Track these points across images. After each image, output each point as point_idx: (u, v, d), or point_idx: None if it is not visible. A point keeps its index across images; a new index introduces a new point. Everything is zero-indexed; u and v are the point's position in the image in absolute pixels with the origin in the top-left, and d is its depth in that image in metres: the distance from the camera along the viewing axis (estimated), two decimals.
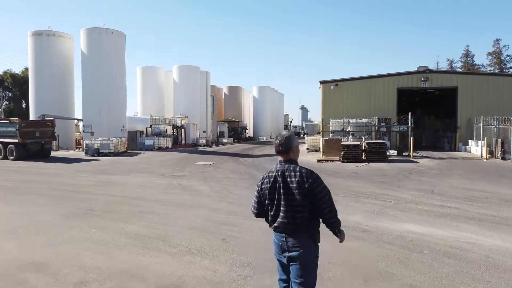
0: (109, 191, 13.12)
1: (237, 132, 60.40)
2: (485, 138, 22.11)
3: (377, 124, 25.13)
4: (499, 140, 21.70)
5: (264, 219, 3.46)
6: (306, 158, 25.38)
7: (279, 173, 3.17)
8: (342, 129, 24.75)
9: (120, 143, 28.27)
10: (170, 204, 10.69)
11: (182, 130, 41.92)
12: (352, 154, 21.57)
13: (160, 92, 48.00)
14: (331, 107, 29.09)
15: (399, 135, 24.62)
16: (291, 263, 3.16)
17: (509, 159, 20.79)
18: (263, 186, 3.26)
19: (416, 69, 29.71)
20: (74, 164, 22.68)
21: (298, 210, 3.10)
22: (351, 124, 25.35)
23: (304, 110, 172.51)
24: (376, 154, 21.34)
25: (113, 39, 32.51)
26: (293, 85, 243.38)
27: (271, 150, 28.05)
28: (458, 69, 55.44)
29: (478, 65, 58.24)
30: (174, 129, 40.01)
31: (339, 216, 3.41)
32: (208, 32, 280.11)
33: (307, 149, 30.35)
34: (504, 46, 59.40)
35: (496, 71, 52.89)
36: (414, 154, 23.83)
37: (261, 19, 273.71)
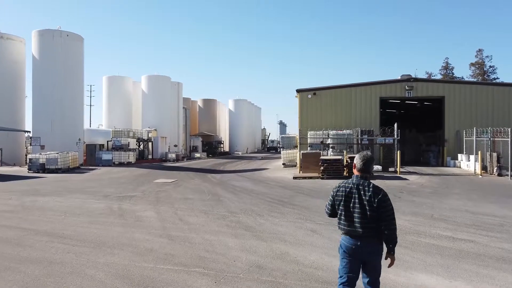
0: (17, 220, 9.99)
1: (211, 147, 57.57)
2: (479, 152, 19.98)
3: (359, 136, 22.73)
4: (495, 154, 19.58)
5: None
6: (281, 174, 22.74)
7: (355, 186, 3.67)
8: (321, 142, 22.28)
9: (71, 158, 24.87)
10: (83, 243, 7.68)
11: (150, 143, 38.74)
12: (332, 170, 19.04)
13: (128, 103, 44.80)
14: (309, 118, 26.68)
15: (384, 149, 22.29)
16: (362, 265, 3.66)
17: (507, 175, 18.67)
18: (338, 193, 3.76)
19: (399, 78, 27.70)
20: (8, 182, 19.22)
21: (369, 219, 3.55)
22: (331, 136, 22.90)
23: (282, 125, 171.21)
24: None
25: (69, 42, 29.30)
26: (271, 100, 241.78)
27: (245, 165, 24.96)
28: None
29: (459, 77, 57.31)
30: (140, 143, 36.74)
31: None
32: (182, 42, 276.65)
33: (283, 164, 27.74)
34: (487, 56, 58.73)
35: None
36: (401, 169, 21.49)
37: (237, 29, 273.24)
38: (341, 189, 3.76)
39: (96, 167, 27.87)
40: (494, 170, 19.67)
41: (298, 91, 27.66)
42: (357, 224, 3.58)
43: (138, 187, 17.24)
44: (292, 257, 6.68)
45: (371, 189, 3.61)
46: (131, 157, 31.81)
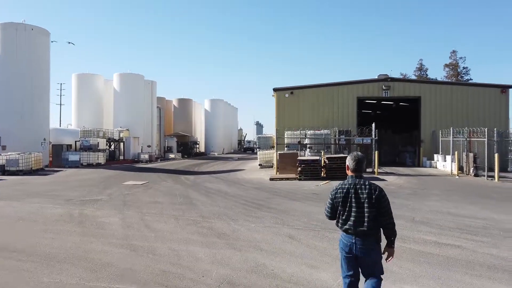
0: None
1: (187, 147, 56.26)
2: (456, 153, 19.89)
3: (337, 136, 22.32)
4: (471, 155, 19.53)
5: None
6: (258, 175, 22.06)
7: (351, 186, 3.77)
8: (299, 142, 21.73)
9: (34, 159, 23.37)
10: (30, 257, 6.73)
11: (122, 144, 37.28)
12: (310, 171, 18.51)
13: (99, 102, 43.03)
14: (286, 117, 26.12)
15: (361, 149, 21.97)
16: (361, 261, 3.74)
17: (483, 175, 18.64)
18: (336, 195, 3.82)
19: (376, 77, 27.54)
20: None
21: (367, 217, 3.65)
22: (308, 136, 22.40)
23: (259, 126, 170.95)
24: (337, 170, 18.41)
25: (33, 37, 27.63)
26: (248, 100, 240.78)
27: (221, 166, 24.01)
28: None
29: (433, 78, 58.14)
30: (111, 143, 35.28)
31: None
32: (156, 41, 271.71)
33: (259, 165, 27.07)
34: (460, 58, 59.74)
35: None
36: (379, 170, 21.22)
37: (213, 28, 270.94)
38: (339, 190, 3.84)
39: (62, 169, 26.37)
40: (471, 171, 19.65)
41: (275, 90, 27.08)
42: (355, 222, 3.69)
43: (105, 190, 16.16)
44: (269, 270, 5.99)
45: (367, 186, 3.73)
46: (101, 158, 30.37)
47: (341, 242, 3.85)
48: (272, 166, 25.20)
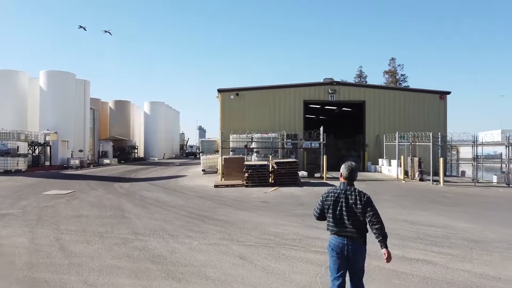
0: None
1: (124, 152, 52.78)
2: (402, 157, 19.87)
3: (285, 140, 21.42)
4: (416, 159, 19.61)
5: None
6: (201, 182, 20.49)
7: (342, 191, 4.04)
8: (245, 146, 20.52)
9: None
10: None
11: (48, 148, 33.59)
12: (258, 177, 17.35)
13: (22, 102, 38.62)
14: (231, 120, 24.82)
15: (310, 154, 21.29)
16: (348, 261, 3.94)
17: (428, 180, 18.71)
18: (327, 199, 4.09)
19: (322, 81, 27.22)
20: None
21: (356, 221, 3.93)
22: (255, 140, 21.26)
23: (202, 131, 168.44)
24: (286, 176, 17.45)
25: None
26: (190, 104, 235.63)
27: (161, 172, 21.71)
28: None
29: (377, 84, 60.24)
30: (35, 147, 31.57)
31: None
32: (91, 38, 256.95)
33: (202, 170, 25.47)
34: (399, 65, 62.51)
35: None
36: (327, 175, 20.61)
37: (152, 26, 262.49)
38: (330, 194, 4.10)
39: None
40: (416, 175, 19.73)
41: (219, 91, 25.69)
42: (344, 225, 3.93)
43: (19, 201, 13.70)
44: None
45: (356, 193, 3.99)
46: (21, 163, 26.85)
47: (331, 244, 4.03)
48: (216, 172, 23.77)
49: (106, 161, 42.95)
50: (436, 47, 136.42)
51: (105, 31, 25.00)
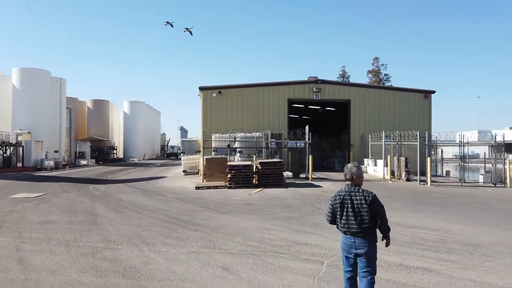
0: None
1: (102, 153, 51.18)
2: (388, 157, 19.47)
3: (270, 139, 20.75)
4: (403, 159, 19.23)
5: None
6: (182, 183, 19.62)
7: (347, 193, 4.26)
8: (228, 146, 19.77)
9: None
10: None
11: (21, 149, 32.02)
12: (241, 178, 16.63)
13: None
14: (214, 119, 24.01)
15: (295, 154, 20.68)
16: (358, 258, 4.17)
17: (415, 180, 18.35)
18: (335, 202, 4.33)
19: (307, 79, 26.66)
20: None
21: (362, 220, 4.13)
22: (238, 139, 20.50)
23: (183, 131, 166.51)
24: (271, 176, 16.80)
25: None
26: (171, 104, 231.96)
27: (140, 173, 20.41)
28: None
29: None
30: (6, 148, 30.01)
31: None
32: (69, 37, 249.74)
33: (183, 171, 24.56)
34: (382, 64, 62.38)
35: None
36: (312, 176, 20.02)
37: (132, 25, 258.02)
38: (337, 197, 4.33)
39: None
40: (403, 175, 19.36)
41: (201, 89, 24.82)
42: (351, 225, 4.17)
43: None
44: None
45: (361, 193, 4.20)
46: None
47: (343, 243, 4.29)
48: (198, 173, 22.94)
49: (83, 162, 41.45)
50: (418, 47, 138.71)
51: (186, 29, 23.22)
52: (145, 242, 7.81)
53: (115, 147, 56.02)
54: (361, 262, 4.16)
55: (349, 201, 4.18)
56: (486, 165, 21.89)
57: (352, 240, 4.14)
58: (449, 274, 6.02)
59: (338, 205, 4.26)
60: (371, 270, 4.14)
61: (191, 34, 23.32)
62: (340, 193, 4.31)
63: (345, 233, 4.24)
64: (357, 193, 4.18)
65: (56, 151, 37.67)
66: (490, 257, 6.98)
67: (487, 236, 8.64)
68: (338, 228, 4.33)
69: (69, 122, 43.72)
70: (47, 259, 6.65)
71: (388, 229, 4.27)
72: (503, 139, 18.58)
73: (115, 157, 54.26)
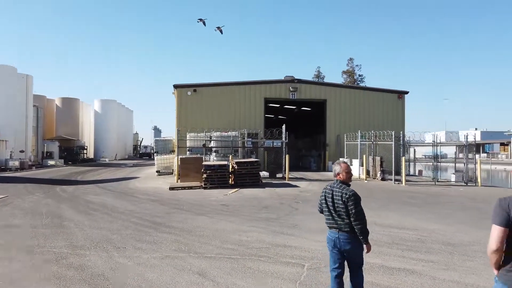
0: None
1: (72, 153, 49.45)
2: (364, 157, 19.55)
3: (246, 139, 20.42)
4: (378, 159, 19.36)
5: None
6: (155, 184, 19.04)
7: (332, 188, 4.30)
8: (203, 145, 19.30)
9: None
10: None
11: None
12: (217, 178, 16.24)
13: None
14: (189, 117, 23.46)
15: (272, 153, 20.46)
16: (344, 253, 4.17)
17: (390, 179, 18.50)
18: (321, 196, 4.39)
19: (283, 78, 26.50)
20: None
21: (341, 216, 4.15)
22: (214, 139, 20.06)
23: (157, 131, 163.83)
24: (248, 176, 16.50)
25: None
26: (145, 104, 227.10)
27: (111, 173, 19.48)
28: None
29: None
30: None
31: None
32: (38, 33, 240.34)
33: (157, 171, 23.88)
34: (356, 65, 63.14)
35: None
36: (289, 175, 19.85)
37: (103, 23, 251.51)
38: (324, 191, 4.38)
39: None
40: (378, 175, 19.50)
41: (175, 86, 24.21)
42: (334, 219, 4.21)
43: None
44: None
45: (342, 190, 4.18)
46: None
47: (327, 238, 4.30)
48: (172, 173, 22.35)
49: (51, 162, 39.82)
50: (391, 48, 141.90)
51: (217, 28, 21.98)
52: (115, 247, 7.34)
53: (86, 147, 54.29)
54: (349, 257, 4.20)
55: (330, 196, 4.24)
56: (457, 164, 22.42)
57: (337, 235, 4.16)
58: (432, 275, 5.90)
59: (324, 198, 4.33)
60: (358, 263, 4.21)
61: (221, 33, 22.63)
62: (328, 187, 4.36)
63: (329, 227, 4.28)
64: (338, 189, 4.20)
65: (21, 151, 36.01)
66: (470, 257, 6.93)
67: (464, 235, 8.66)
68: (325, 223, 4.37)
69: (36, 121, 41.92)
70: (5, 267, 6.10)
71: (366, 232, 4.11)
72: (474, 139, 19.03)
73: (85, 157, 52.59)
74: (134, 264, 6.25)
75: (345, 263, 4.22)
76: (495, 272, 2.68)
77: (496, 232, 2.55)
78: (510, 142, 61.55)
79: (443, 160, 22.62)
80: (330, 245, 4.24)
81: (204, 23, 22.04)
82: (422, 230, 9.21)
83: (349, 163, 22.18)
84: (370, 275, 5.84)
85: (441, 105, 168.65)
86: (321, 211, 4.43)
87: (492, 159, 45.42)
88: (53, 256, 6.73)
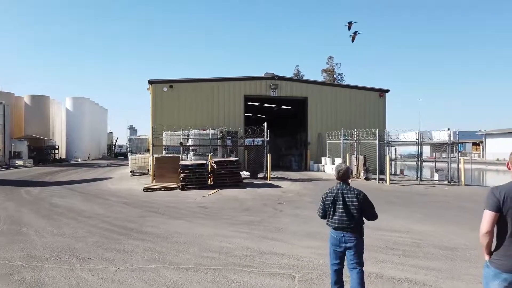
0: None
1: (42, 153, 47.21)
2: (347, 156, 19.08)
3: (225, 137, 19.57)
4: (361, 158, 18.91)
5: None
6: (128, 185, 17.98)
7: (339, 191, 4.45)
8: (181, 143, 18.33)
9: None
10: None
11: None
12: (195, 178, 15.35)
13: None
14: (165, 115, 22.43)
15: (253, 152, 19.71)
16: (347, 251, 4.37)
17: (374, 178, 18.07)
18: (327, 198, 4.50)
19: (263, 75, 25.79)
20: None
21: (353, 216, 4.35)
22: (192, 137, 19.12)
23: (133, 130, 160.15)
24: (228, 177, 15.69)
25: None
26: (120, 103, 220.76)
27: (82, 174, 17.70)
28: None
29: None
30: None
31: None
32: (5, 25, 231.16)
33: (131, 172, 22.72)
34: (336, 64, 62.81)
35: None
36: (271, 175, 19.13)
37: (76, 19, 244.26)
38: (329, 194, 4.50)
39: None
40: (361, 174, 19.05)
41: (151, 82, 23.12)
42: (342, 220, 4.36)
43: None
44: None
45: (353, 191, 4.40)
46: None
47: (331, 238, 4.49)
48: (147, 173, 21.26)
49: (19, 162, 37.82)
50: (370, 46, 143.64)
51: (354, 33, 19.99)
52: (78, 257, 6.42)
53: (57, 147, 52.02)
54: (350, 255, 4.35)
55: (341, 198, 4.37)
56: (437, 164, 22.32)
57: (342, 234, 4.34)
58: (437, 286, 5.30)
59: (330, 201, 4.43)
60: (360, 262, 4.36)
61: (352, 41, 20.95)
62: (333, 191, 4.49)
63: (335, 228, 4.41)
64: (349, 191, 4.40)
65: None
66: (473, 263, 6.41)
67: (459, 238, 8.19)
68: (327, 224, 4.51)
69: (3, 119, 39.75)
70: None
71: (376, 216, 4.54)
72: (457, 139, 18.87)
73: (56, 157, 50.38)
74: (98, 279, 5.37)
75: (345, 262, 4.40)
76: (486, 257, 2.96)
77: (487, 216, 2.84)
78: (482, 142, 63.02)
79: (425, 159, 22.47)
80: (333, 244, 4.40)
81: (349, 28, 20.28)
82: (414, 232, 8.70)
83: (331, 162, 21.78)
84: (369, 286, 5.20)
85: (416, 105, 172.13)
86: (324, 216, 4.53)
87: (464, 157, 46.13)
88: (4, 270, 5.78)
